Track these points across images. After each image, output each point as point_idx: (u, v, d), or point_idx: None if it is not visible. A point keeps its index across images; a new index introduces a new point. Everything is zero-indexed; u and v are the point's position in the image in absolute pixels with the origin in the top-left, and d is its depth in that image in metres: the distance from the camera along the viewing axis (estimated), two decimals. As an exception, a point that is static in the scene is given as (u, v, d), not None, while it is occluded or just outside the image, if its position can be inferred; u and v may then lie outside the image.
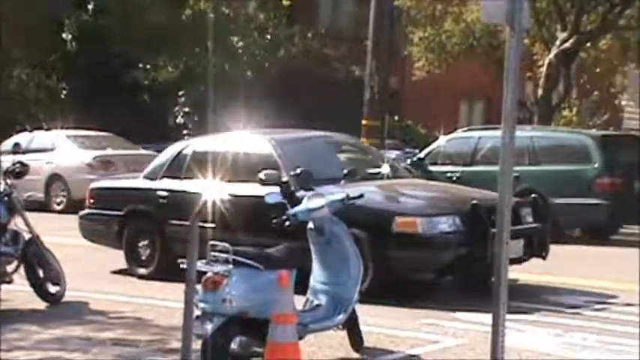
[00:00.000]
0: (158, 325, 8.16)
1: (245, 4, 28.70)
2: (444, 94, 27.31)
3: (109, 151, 19.88)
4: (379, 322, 8.11)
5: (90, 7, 27.70)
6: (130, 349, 7.37)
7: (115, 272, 11.10)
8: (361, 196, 7.67)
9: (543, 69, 21.06)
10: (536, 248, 9.83)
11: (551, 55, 20.42)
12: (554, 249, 10.19)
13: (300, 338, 6.49)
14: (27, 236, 9.07)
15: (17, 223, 9.08)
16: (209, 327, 6.40)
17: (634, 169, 14.85)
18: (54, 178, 19.51)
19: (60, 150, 19.95)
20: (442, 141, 16.61)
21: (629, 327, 8.15)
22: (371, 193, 9.81)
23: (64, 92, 28.31)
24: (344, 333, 7.25)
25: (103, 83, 26.47)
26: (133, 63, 26.64)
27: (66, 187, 19.37)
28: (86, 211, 11.67)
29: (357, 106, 20.76)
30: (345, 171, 8.23)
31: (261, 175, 8.22)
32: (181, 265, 6.15)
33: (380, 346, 7.47)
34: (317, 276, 7.29)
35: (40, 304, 9.05)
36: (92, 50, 26.96)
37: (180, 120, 27.31)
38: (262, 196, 7.50)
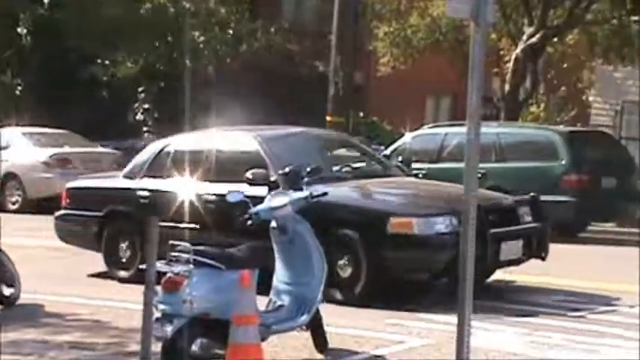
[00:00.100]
0: (117, 328, 8.12)
1: (206, -2, 28.59)
2: (410, 90, 27.37)
3: (66, 149, 19.71)
4: (343, 323, 8.12)
5: (45, 0, 27.46)
6: (88, 352, 7.33)
7: (93, 275, 10.92)
8: (325, 194, 7.66)
9: (510, 64, 21.20)
10: (535, 249, 9.72)
11: (518, 50, 20.55)
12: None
13: (263, 339, 6.49)
14: (-21, 237, 8.99)
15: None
16: (169, 329, 6.38)
17: (601, 166, 15.02)
18: (9, 177, 19.30)
19: (15, 148, 19.74)
20: (408, 138, 16.68)
21: (602, 326, 8.23)
22: (363, 192, 9.79)
23: (19, 88, 28.03)
24: (308, 334, 7.26)
25: (59, 79, 26.25)
26: (91, 58, 26.44)
27: (21, 186, 19.19)
28: (62, 211, 11.48)
29: (322, 102, 20.77)
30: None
31: (249, 174, 8.17)
32: (140, 266, 6.13)
33: (344, 346, 7.48)
34: (280, 276, 7.29)
35: (-6, 307, 8.98)
36: (48, 45, 26.72)
37: (139, 117, 27.16)
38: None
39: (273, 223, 7.29)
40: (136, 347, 6.77)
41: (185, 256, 6.54)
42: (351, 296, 9.03)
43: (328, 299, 8.82)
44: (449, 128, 16.41)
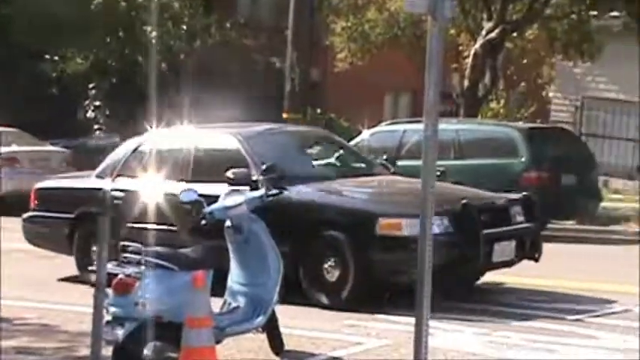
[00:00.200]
0: (66, 332, 8.05)
1: (159, -8, 28.42)
2: (368, 86, 27.43)
3: (14, 148, 19.49)
4: (300, 324, 8.12)
5: (-8, -5, 27.13)
6: (35, 357, 7.26)
7: (63, 279, 10.74)
8: (281, 192, 7.65)
9: (469, 60, 21.31)
10: (528, 250, 9.56)
11: (477, 46, 20.66)
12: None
13: (217, 342, 6.46)
14: None
15: None
16: (120, 332, 6.35)
17: (561, 163, 15.14)
18: (-46, 177, 19.07)
19: (-39, 147, 19.51)
20: (366, 135, 16.70)
21: (564, 326, 8.30)
22: (350, 191, 9.63)
23: (-35, 86, 27.68)
24: (264, 336, 7.25)
25: (6, 76, 25.95)
26: (40, 54, 26.18)
27: (-33, 186, 18.96)
28: (30, 213, 11.26)
29: (278, 98, 20.76)
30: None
31: (229, 174, 8.09)
32: (90, 268, 6.09)
33: (301, 348, 7.48)
34: (235, 276, 7.27)
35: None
36: (-5, 41, 26.41)
37: (90, 114, 26.95)
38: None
39: (228, 223, 7.27)
40: (86, 352, 6.70)
41: (137, 257, 6.51)
42: (337, 300, 8.89)
43: (314, 303, 8.86)
44: (407, 125, 16.45)
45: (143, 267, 6.47)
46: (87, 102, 27.01)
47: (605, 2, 20.29)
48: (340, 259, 8.94)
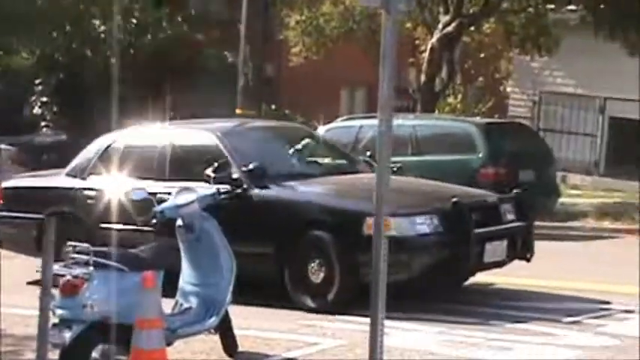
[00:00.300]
0: (12, 335, 7.97)
1: (108, -15, 28.21)
2: (324, 81, 27.45)
3: (-43, 146, 19.32)
4: (254, 325, 8.12)
5: None
6: (-20, 362, 7.19)
7: (31, 283, 10.59)
8: (233, 191, 7.66)
9: (426, 54, 21.39)
10: (519, 250, 9.47)
11: (434, 40, 20.74)
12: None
13: (169, 344, 6.45)
14: None
15: None
16: (67, 335, 6.30)
17: (519, 158, 15.25)
18: None
19: None
20: (321, 131, 16.70)
21: (524, 325, 8.36)
22: (335, 190, 9.50)
23: None
24: (216, 337, 7.25)
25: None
26: (-18, 49, 25.91)
27: None
28: None
29: (231, 94, 20.73)
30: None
31: (209, 172, 8.03)
32: (36, 270, 6.04)
33: (255, 349, 7.49)
34: (187, 276, 7.26)
35: None
36: None
37: (37, 110, 26.70)
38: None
39: (179, 222, 7.25)
40: (31, 355, 6.64)
41: (84, 257, 6.46)
42: (323, 303, 8.79)
43: (299, 307, 8.79)
44: (363, 120, 16.48)
45: (91, 267, 6.43)
46: (33, 98, 26.76)
47: (562, -5, 20.47)
48: (325, 261, 8.83)
